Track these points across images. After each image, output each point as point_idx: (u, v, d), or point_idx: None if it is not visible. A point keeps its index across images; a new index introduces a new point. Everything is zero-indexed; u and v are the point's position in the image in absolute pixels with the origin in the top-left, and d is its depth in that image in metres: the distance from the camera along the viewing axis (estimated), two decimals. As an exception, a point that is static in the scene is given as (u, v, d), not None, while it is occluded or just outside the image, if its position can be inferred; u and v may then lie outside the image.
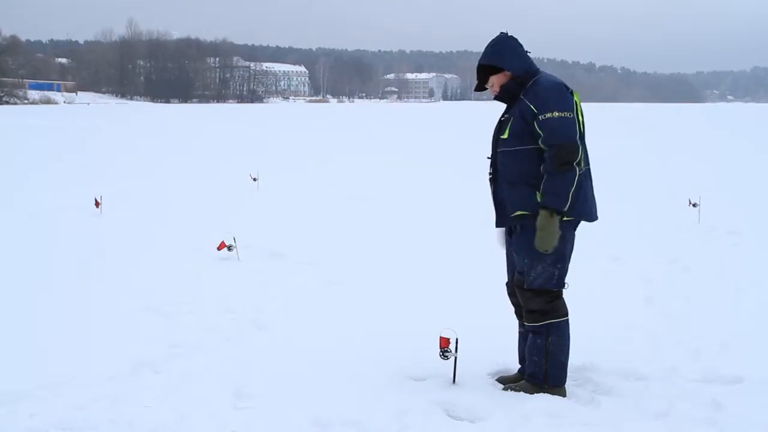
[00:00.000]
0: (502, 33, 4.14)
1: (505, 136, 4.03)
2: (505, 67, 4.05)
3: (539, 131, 3.87)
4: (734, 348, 4.86)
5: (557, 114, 3.85)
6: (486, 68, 4.14)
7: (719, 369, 4.46)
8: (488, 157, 4.23)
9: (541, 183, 3.89)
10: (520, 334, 4.33)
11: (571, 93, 3.95)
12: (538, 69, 4.09)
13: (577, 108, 3.95)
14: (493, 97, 4.18)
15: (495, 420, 3.80)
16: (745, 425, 3.76)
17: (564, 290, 4.09)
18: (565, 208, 3.84)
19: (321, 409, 3.89)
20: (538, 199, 3.90)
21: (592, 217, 4.08)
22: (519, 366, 4.35)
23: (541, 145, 3.88)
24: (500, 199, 4.14)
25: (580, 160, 3.87)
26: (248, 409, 3.94)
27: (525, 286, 4.05)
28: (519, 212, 4.00)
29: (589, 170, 4.06)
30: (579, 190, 3.89)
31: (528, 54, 4.11)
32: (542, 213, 3.85)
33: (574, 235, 4.07)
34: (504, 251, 4.35)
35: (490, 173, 4.20)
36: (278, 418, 3.82)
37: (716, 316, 5.61)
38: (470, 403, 3.96)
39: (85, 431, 3.70)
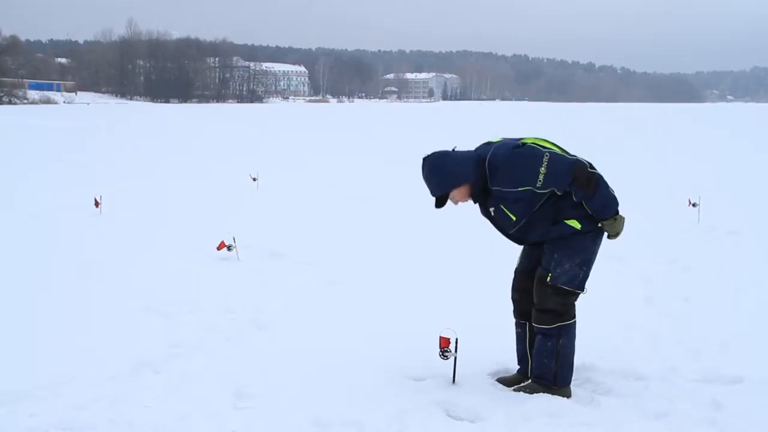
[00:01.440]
0: (427, 158, 3.95)
1: (515, 219, 3.94)
2: (463, 185, 3.94)
3: (549, 190, 3.85)
4: (734, 348, 4.86)
5: (543, 169, 3.81)
6: None
7: (719, 369, 4.46)
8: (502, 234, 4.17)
9: (564, 210, 3.91)
10: (517, 334, 4.32)
11: (523, 144, 3.91)
12: (475, 154, 3.98)
13: (537, 146, 3.90)
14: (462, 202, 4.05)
15: (495, 420, 3.80)
16: (745, 425, 3.76)
17: (583, 294, 4.07)
18: (619, 207, 3.93)
19: (321, 409, 3.90)
20: (574, 225, 3.91)
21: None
22: (518, 366, 4.35)
23: (560, 192, 3.88)
24: (531, 243, 4.13)
25: (591, 165, 3.89)
26: (248, 409, 3.94)
27: (548, 281, 3.99)
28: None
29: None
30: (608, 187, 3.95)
31: (456, 150, 3.98)
32: (605, 224, 3.93)
33: (600, 244, 4.08)
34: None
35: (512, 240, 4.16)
36: (278, 418, 3.82)
37: (716, 316, 5.62)
38: (470, 403, 3.97)
39: (85, 431, 3.71)
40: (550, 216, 3.94)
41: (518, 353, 4.34)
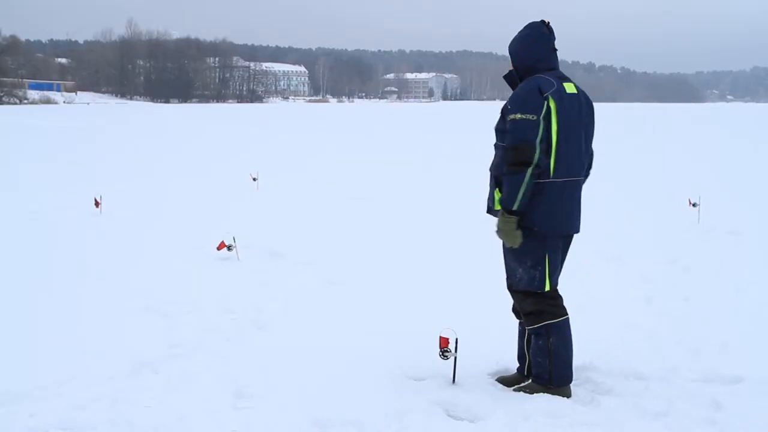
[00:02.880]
0: (540, 21, 4.09)
1: (496, 124, 4.09)
2: (509, 54, 4.10)
3: (501, 132, 3.97)
4: (734, 348, 4.86)
5: (519, 116, 3.84)
6: None
7: (719, 369, 4.46)
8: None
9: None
10: (519, 331, 4.33)
11: (546, 97, 3.85)
12: (543, 69, 4.01)
13: (550, 113, 3.85)
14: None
15: (495, 420, 3.80)
16: (745, 425, 3.76)
17: (554, 291, 4.06)
18: (514, 208, 3.83)
19: (321, 409, 3.90)
20: (496, 195, 4.00)
21: (563, 230, 4.02)
22: (518, 365, 4.35)
23: (501, 142, 3.97)
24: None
25: (537, 164, 3.81)
26: (248, 409, 3.94)
27: (512, 288, 4.12)
28: (488, 207, 4.11)
29: (570, 182, 3.96)
30: (541, 199, 3.86)
31: (551, 51, 4.03)
32: (500, 212, 3.92)
33: (555, 242, 4.01)
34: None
35: None
36: (278, 418, 3.82)
37: (716, 316, 5.62)
38: (470, 403, 3.97)
39: (85, 431, 3.71)
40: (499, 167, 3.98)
41: (518, 350, 4.35)
